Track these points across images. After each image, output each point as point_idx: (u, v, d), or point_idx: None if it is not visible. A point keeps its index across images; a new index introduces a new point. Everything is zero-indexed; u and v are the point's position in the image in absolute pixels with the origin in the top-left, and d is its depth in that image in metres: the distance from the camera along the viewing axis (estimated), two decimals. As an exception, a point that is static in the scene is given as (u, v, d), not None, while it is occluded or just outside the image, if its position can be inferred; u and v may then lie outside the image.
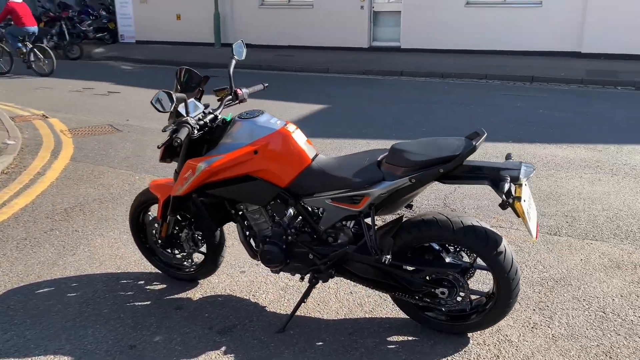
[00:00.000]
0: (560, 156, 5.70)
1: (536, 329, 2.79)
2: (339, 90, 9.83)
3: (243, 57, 2.95)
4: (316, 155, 2.65)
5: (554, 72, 10.78)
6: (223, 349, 2.64)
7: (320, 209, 2.68)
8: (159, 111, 2.37)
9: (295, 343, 2.68)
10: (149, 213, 3.24)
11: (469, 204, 4.47)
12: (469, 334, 2.72)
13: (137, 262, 3.51)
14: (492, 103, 8.43)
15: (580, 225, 4.05)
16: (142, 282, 3.26)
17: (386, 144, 6.16)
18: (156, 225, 3.13)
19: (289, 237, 2.72)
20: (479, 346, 2.65)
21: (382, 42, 14.26)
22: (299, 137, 2.61)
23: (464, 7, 13.05)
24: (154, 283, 3.25)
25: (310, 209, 2.69)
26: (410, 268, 2.60)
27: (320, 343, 2.68)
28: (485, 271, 3.00)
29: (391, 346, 2.65)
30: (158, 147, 2.63)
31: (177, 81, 2.72)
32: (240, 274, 3.35)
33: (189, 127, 2.51)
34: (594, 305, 2.99)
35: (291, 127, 2.62)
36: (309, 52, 14.24)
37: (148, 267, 3.43)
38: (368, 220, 2.56)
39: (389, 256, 2.46)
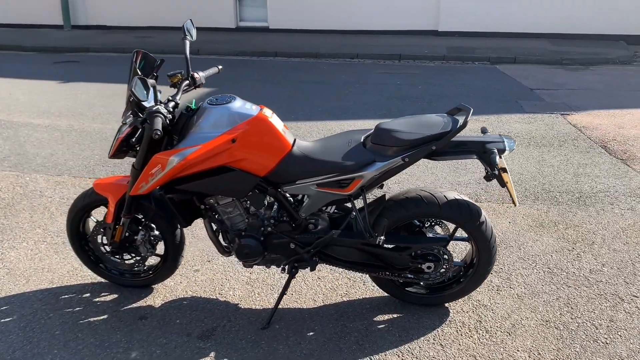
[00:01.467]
0: (452, 128, 6.08)
1: (501, 290, 2.98)
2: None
3: (195, 38, 2.70)
4: (295, 140, 2.53)
5: (418, 49, 11.45)
6: (212, 354, 2.44)
7: (300, 196, 2.58)
8: (139, 100, 2.10)
9: (286, 337, 2.57)
10: (90, 218, 2.88)
11: (390, 179, 4.60)
12: (446, 305, 2.82)
13: (71, 274, 3.10)
14: (375, 81, 8.72)
15: (494, 191, 4.38)
16: (87, 294, 2.89)
17: (293, 126, 6.09)
18: (102, 230, 2.79)
19: (268, 229, 2.58)
20: (459, 314, 2.76)
21: (249, 22, 13.99)
22: (277, 122, 2.47)
23: (328, -13, 13.27)
24: (103, 294, 2.90)
25: (289, 197, 2.57)
26: (391, 246, 2.62)
27: (311, 333, 2.60)
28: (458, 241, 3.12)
29: (381, 326, 2.65)
30: (131, 142, 2.35)
31: (134, 67, 2.41)
32: (195, 273, 3.12)
33: (162, 116, 2.25)
34: (539, 263, 3.27)
35: (268, 112, 2.47)
36: (172, 33, 13.46)
37: (87, 277, 3.05)
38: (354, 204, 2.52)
39: (382, 237, 2.45)
